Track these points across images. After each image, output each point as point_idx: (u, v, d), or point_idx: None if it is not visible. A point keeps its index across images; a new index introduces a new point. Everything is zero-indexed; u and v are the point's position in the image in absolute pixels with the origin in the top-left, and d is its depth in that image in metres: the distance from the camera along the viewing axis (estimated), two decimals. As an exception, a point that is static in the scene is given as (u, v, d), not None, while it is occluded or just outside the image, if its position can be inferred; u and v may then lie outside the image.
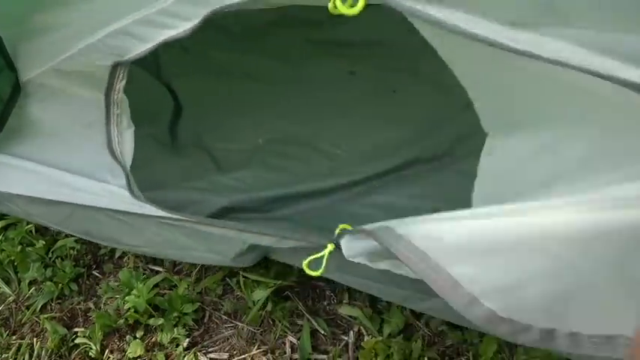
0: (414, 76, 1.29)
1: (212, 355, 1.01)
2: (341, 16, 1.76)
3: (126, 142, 0.92)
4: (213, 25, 1.67)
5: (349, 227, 0.77)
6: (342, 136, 1.19)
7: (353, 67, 1.38)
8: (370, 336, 0.97)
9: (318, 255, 0.77)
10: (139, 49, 0.76)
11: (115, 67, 0.81)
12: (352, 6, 0.50)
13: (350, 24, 1.57)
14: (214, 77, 1.46)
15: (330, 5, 0.50)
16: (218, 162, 1.21)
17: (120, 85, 0.85)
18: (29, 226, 1.23)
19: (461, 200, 1.00)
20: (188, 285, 1.09)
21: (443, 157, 1.10)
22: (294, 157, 1.17)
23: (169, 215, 0.88)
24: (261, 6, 1.55)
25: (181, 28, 0.70)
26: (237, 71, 1.46)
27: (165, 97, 1.40)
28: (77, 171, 0.95)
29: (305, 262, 0.77)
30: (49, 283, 1.15)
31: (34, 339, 1.07)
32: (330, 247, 0.77)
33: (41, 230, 1.24)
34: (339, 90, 1.33)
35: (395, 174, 1.08)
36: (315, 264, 0.78)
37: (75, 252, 1.20)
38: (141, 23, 0.73)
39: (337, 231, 0.78)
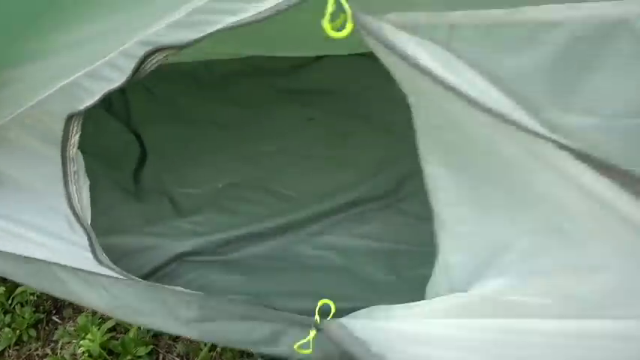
0: (365, 121, 1.36)
1: (164, 399, 1.01)
2: (301, 65, 1.82)
3: (84, 199, 0.93)
4: (183, 73, 1.75)
5: (330, 303, 0.78)
6: (296, 179, 1.24)
7: (312, 114, 1.45)
8: (316, 374, 0.99)
9: (304, 341, 0.78)
10: (89, 100, 0.80)
11: (70, 119, 0.84)
12: (339, 30, 0.49)
13: (310, 73, 1.66)
14: (181, 124, 1.51)
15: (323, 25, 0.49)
16: (178, 207, 1.24)
17: (75, 138, 0.87)
18: (-9, 273, 1.24)
19: (404, 240, 1.05)
20: (141, 328, 1.10)
21: (388, 197, 1.15)
22: (249, 201, 1.21)
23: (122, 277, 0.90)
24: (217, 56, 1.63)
25: (122, 79, 0.74)
26: (203, 118, 1.52)
27: (132, 143, 1.45)
28: (33, 225, 0.97)
29: (296, 346, 0.79)
30: (7, 329, 1.15)
31: (-11, 386, 1.08)
32: (313, 333, 0.78)
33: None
34: (298, 135, 1.38)
35: (344, 214, 1.13)
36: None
37: (35, 298, 1.22)
38: (88, 76, 0.78)
39: (318, 308, 0.79)
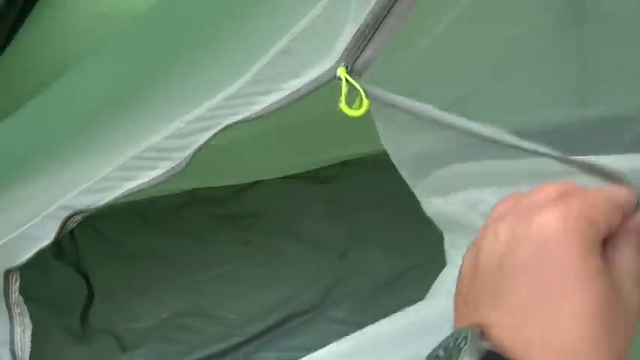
0: (297, 238, 1.49)
1: None
2: (239, 191, 1.97)
3: (26, 343, 0.98)
4: (129, 212, 1.86)
5: None
6: (234, 301, 1.33)
7: (248, 237, 1.56)
8: None
9: None
10: (22, 258, 0.90)
11: (7, 273, 0.93)
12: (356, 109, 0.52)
13: (247, 197, 1.80)
14: (127, 261, 1.60)
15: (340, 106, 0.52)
16: (123, 342, 1.30)
17: (15, 286, 0.94)
18: None
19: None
20: None
21: (315, 309, 1.25)
22: (191, 328, 1.29)
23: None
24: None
25: (50, 238, 0.84)
26: (148, 253, 1.61)
27: (80, 286, 1.51)
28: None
29: None
30: None
31: None
32: None
33: None
34: (235, 259, 1.49)
35: (277, 330, 1.22)
36: None
37: None
38: (21, 237, 0.88)
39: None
